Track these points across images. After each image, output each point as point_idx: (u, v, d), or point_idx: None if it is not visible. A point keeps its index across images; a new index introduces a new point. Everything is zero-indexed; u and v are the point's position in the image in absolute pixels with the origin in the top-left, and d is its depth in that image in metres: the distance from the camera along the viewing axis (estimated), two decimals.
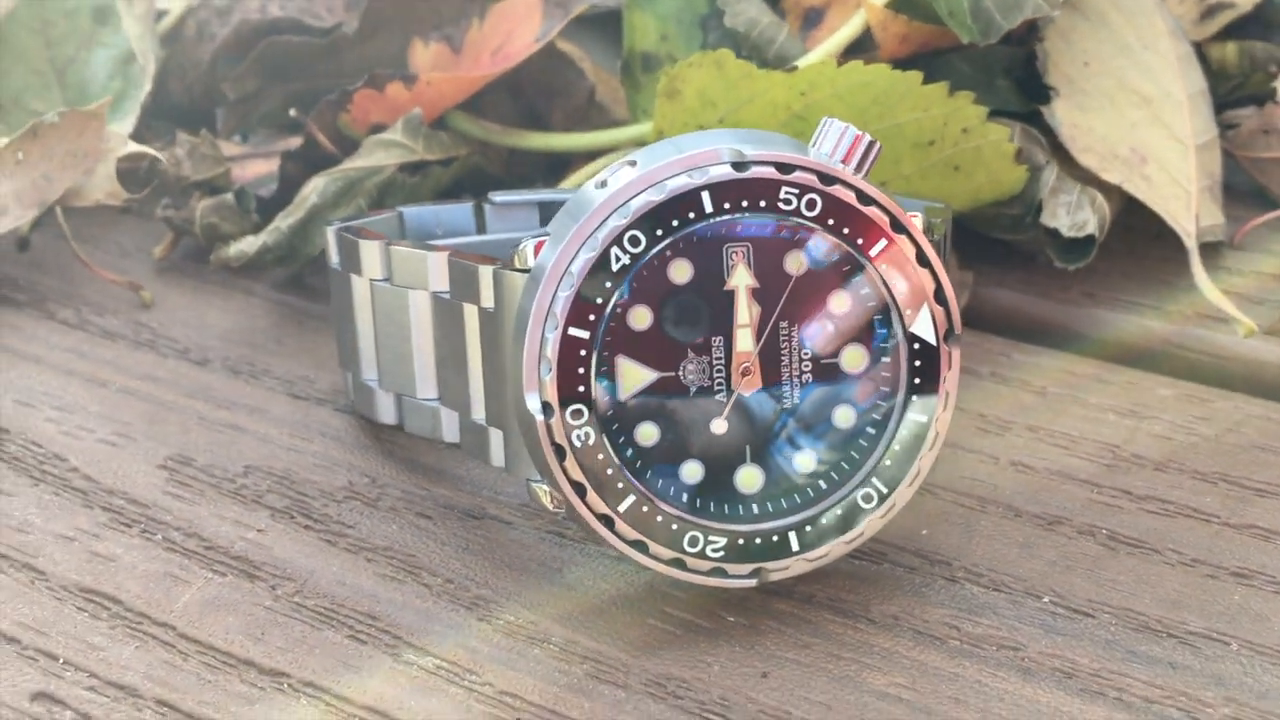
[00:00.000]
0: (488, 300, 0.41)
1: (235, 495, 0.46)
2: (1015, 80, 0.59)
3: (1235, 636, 0.41)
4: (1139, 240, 0.58)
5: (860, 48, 0.57)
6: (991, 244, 0.58)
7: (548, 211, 0.49)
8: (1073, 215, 0.55)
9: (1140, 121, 0.57)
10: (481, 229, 0.49)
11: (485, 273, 0.41)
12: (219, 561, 0.43)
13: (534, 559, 0.43)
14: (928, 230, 0.41)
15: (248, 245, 0.52)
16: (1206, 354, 0.54)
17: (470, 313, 0.42)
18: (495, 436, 0.42)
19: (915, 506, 0.44)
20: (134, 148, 0.52)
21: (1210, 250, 0.57)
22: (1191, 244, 0.55)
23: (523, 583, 0.42)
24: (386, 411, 0.47)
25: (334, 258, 0.47)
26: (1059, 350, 0.54)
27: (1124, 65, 0.58)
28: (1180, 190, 0.56)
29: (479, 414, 0.43)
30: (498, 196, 0.49)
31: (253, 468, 0.47)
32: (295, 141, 0.58)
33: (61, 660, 0.40)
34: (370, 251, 0.45)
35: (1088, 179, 0.56)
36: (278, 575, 0.43)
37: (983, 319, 0.57)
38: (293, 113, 0.57)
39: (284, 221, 0.53)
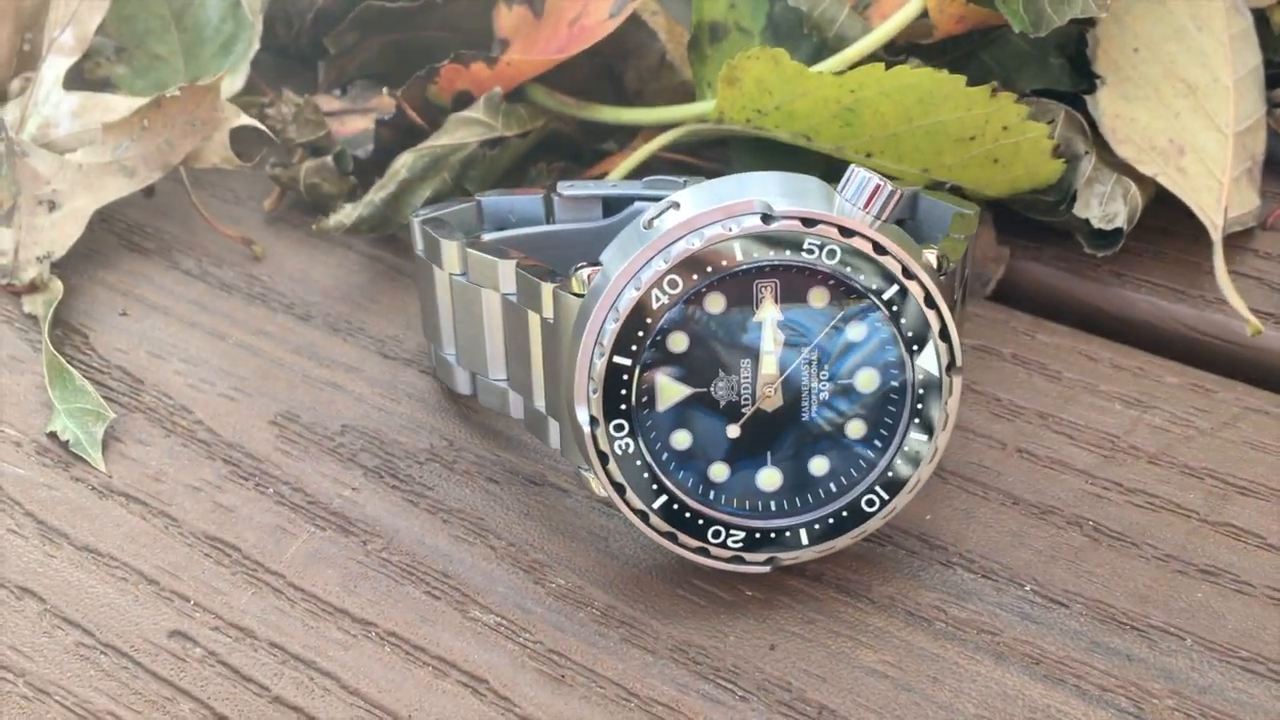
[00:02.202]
0: (548, 313, 0.47)
1: (333, 453, 0.53)
2: (1069, 58, 0.62)
3: (1190, 632, 0.47)
4: (1175, 218, 0.61)
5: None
6: (1029, 220, 0.61)
7: (610, 204, 0.54)
8: (1104, 207, 0.58)
9: (1183, 110, 0.59)
10: (550, 218, 0.54)
11: (546, 290, 0.47)
12: (320, 516, 0.51)
13: (584, 527, 0.50)
14: (941, 262, 0.46)
15: (345, 216, 0.58)
16: (1220, 339, 0.58)
17: (534, 319, 0.48)
18: (553, 425, 0.49)
19: (925, 490, 0.49)
20: (245, 120, 0.59)
21: (1242, 234, 0.60)
22: (1217, 237, 0.58)
23: (573, 549, 0.50)
24: (463, 383, 0.53)
25: (419, 245, 0.53)
26: (1081, 331, 0.58)
27: (1174, 50, 0.60)
28: (1213, 182, 0.59)
29: (539, 403, 0.49)
30: (565, 189, 0.54)
31: (349, 427, 0.54)
32: (389, 102, 0.63)
33: (192, 602, 0.48)
34: (450, 250, 0.51)
35: (1124, 167, 0.59)
36: (368, 532, 0.50)
37: (1016, 292, 0.61)
38: (385, 91, 0.62)
39: (377, 195, 0.58)
